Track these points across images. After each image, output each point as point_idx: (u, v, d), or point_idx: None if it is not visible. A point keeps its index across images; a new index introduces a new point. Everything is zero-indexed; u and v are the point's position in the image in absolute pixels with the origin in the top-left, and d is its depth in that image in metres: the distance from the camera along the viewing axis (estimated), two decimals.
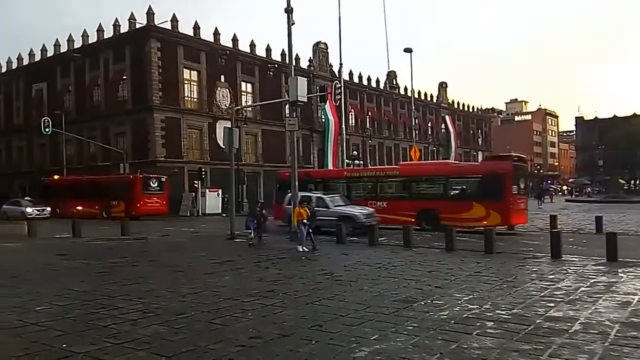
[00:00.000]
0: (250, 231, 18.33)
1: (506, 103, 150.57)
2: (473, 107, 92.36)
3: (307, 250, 15.89)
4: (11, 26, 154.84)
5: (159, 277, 11.34)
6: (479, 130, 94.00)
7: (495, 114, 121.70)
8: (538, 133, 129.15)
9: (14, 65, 54.03)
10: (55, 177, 42.75)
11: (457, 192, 23.69)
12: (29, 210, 36.08)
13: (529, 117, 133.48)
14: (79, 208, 35.38)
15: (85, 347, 6.12)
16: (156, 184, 36.66)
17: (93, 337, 6.59)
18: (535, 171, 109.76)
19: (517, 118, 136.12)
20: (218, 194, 41.15)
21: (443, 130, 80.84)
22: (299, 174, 23.60)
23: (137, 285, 10.37)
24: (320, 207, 21.10)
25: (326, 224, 20.54)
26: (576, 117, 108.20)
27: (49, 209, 36.64)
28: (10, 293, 9.68)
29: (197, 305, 8.37)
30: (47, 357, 5.77)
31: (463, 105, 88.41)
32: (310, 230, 16.49)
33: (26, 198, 39.50)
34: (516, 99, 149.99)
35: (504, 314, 7.61)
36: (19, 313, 7.95)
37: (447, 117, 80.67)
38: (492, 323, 7.10)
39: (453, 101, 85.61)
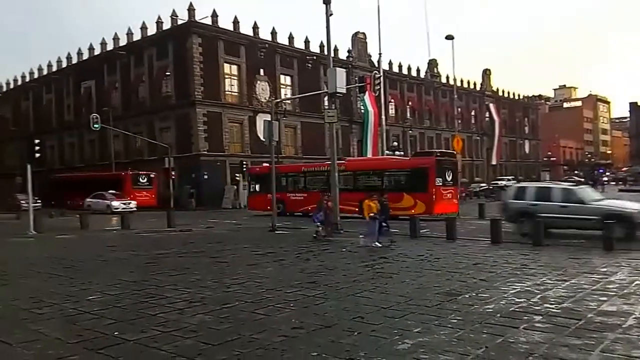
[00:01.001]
0: (317, 224, 17.79)
1: (554, 89, 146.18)
2: (519, 95, 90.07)
3: (380, 245, 14.87)
4: (61, 27, 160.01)
5: (203, 268, 11.58)
6: (526, 119, 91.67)
7: (543, 101, 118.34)
8: (589, 120, 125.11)
9: (64, 65, 55.83)
10: (59, 175, 47.47)
11: (392, 184, 25.99)
12: (115, 203, 35.56)
13: (578, 103, 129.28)
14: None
15: (135, 335, 6.32)
16: (145, 180, 41.63)
17: (142, 325, 6.80)
18: (586, 160, 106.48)
19: (566, 105, 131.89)
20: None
21: (487, 119, 79.23)
22: (263, 169, 31.11)
23: (184, 275, 10.62)
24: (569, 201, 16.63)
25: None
26: (630, 103, 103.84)
27: (134, 202, 36.41)
28: (64, 282, 10.08)
29: (241, 296, 8.52)
30: (100, 344, 5.98)
31: (508, 92, 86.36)
32: (385, 224, 15.48)
33: (110, 191, 38.14)
34: (565, 85, 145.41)
35: (553, 308, 7.44)
36: (73, 302, 8.27)
37: (491, 106, 78.98)
38: (541, 317, 6.95)
39: (497, 89, 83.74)
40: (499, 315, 7.08)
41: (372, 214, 15.24)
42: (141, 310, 7.61)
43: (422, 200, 23.95)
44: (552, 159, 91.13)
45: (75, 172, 50.98)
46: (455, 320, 6.82)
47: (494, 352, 5.59)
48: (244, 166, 42.47)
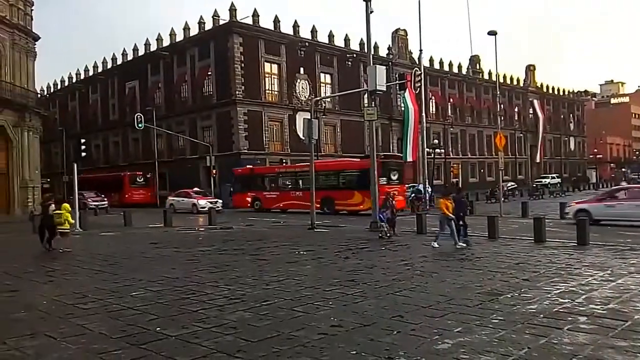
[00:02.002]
0: (382, 224, 17.14)
1: (601, 85, 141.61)
2: (564, 90, 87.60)
3: (437, 246, 14.20)
4: (107, 29, 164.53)
5: (243, 265, 11.71)
6: (571, 115, 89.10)
7: (589, 97, 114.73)
8: (637, 116, 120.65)
9: (109, 65, 57.36)
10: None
11: (346, 183, 30.16)
12: (201, 202, 33.61)
13: (626, 99, 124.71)
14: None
15: (177, 331, 6.44)
16: (142, 180, 46.07)
17: (184, 321, 6.92)
18: (634, 157, 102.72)
19: (613, 100, 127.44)
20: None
21: (531, 115, 77.39)
22: (245, 170, 36.53)
23: (224, 272, 10.77)
24: None
25: None
26: None
27: (220, 201, 35.32)
28: (109, 279, 10.36)
29: (280, 293, 8.57)
30: (143, 339, 6.12)
31: (553, 88, 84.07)
32: (462, 223, 14.69)
33: (195, 189, 37.32)
34: (612, 80, 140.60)
35: (598, 309, 7.21)
36: (117, 297, 8.50)
37: (535, 102, 77.10)
38: (585, 318, 6.75)
39: (542, 84, 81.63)
40: (542, 315, 6.91)
41: (448, 214, 14.22)
42: (182, 307, 7.75)
43: (368, 198, 24.76)
44: (598, 156, 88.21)
45: (119, 170, 52.46)
46: (496, 321, 6.68)
47: (537, 353, 5.46)
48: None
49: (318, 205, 27.12)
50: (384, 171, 28.53)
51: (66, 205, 15.66)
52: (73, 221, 16.24)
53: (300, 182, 32.55)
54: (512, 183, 56.30)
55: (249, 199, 35.10)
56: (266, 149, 44.59)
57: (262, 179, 35.06)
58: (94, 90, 59.38)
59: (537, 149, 76.49)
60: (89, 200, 39.22)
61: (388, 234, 16.81)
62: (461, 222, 14.70)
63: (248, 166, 37.24)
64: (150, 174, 46.53)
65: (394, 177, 29.83)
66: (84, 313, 7.51)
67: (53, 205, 15.60)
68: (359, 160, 32.30)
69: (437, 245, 14.17)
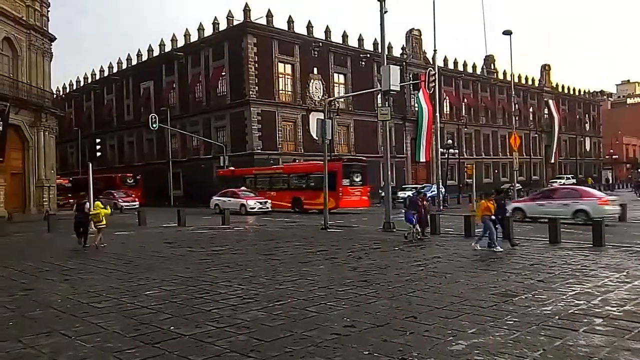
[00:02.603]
0: (410, 225, 16.33)
1: (617, 85, 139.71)
2: (580, 90, 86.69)
3: (502, 249, 13.37)
4: (122, 28, 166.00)
5: (256, 265, 11.74)
6: (587, 115, 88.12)
7: (605, 97, 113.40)
8: None
9: (124, 66, 57.82)
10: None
11: (313, 184, 31.81)
12: (250, 202, 31.77)
13: None
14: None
15: (190, 330, 6.48)
16: (132, 181, 48.05)
17: (197, 320, 6.95)
18: None
19: (629, 101, 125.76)
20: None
21: (546, 115, 76.71)
22: (226, 172, 38.96)
23: (237, 272, 10.80)
24: None
25: None
26: None
27: (269, 202, 33.20)
28: (123, 278, 10.44)
29: (293, 293, 8.57)
30: (157, 338, 6.15)
31: (568, 88, 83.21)
32: (498, 226, 14.02)
33: (242, 188, 35.17)
34: (628, 80, 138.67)
35: (614, 311, 7.12)
36: (131, 296, 8.56)
37: (550, 102, 76.41)
38: (601, 320, 6.67)
39: (557, 84, 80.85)
40: (557, 317, 6.84)
41: (488, 215, 13.62)
42: (196, 306, 7.79)
43: (332, 197, 27.78)
44: (614, 156, 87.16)
45: (133, 170, 52.94)
46: (511, 322, 6.63)
47: (552, 355, 5.40)
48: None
49: (289, 205, 32.67)
50: (346, 173, 31.67)
51: (98, 203, 17.08)
52: (109, 210, 17.21)
53: (274, 183, 35.79)
54: (518, 184, 55.21)
55: None
56: (279, 149, 44.67)
57: (242, 180, 37.13)
58: (109, 90, 59.89)
59: (551, 149, 75.78)
60: (119, 200, 39.75)
61: (418, 236, 16.21)
62: (498, 226, 14.03)
63: (230, 168, 39.90)
64: (140, 176, 48.66)
65: (357, 179, 32.43)
66: (99, 312, 7.57)
67: (88, 204, 16.73)
68: (332, 163, 33.12)
69: (478, 248, 13.57)
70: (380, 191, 36.41)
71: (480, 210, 14.11)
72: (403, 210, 17.99)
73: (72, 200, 33.74)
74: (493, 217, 13.73)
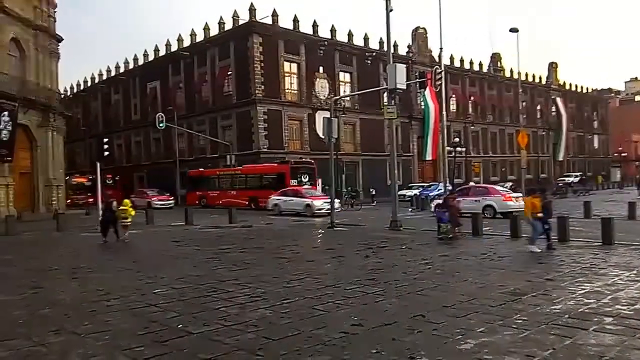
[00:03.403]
0: (443, 225, 16.02)
1: (625, 82, 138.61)
2: (587, 88, 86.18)
3: (540, 250, 12.80)
4: (128, 29, 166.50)
5: (264, 264, 11.76)
6: (594, 113, 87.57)
7: (613, 94, 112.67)
8: None
9: (131, 66, 57.99)
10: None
11: (266, 183, 35.28)
12: (317, 203, 27.83)
13: None
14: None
15: (198, 328, 6.49)
16: (110, 182, 46.66)
17: (205, 318, 6.97)
18: None
19: (638, 98, 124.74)
20: (318, 184, 41.86)
21: (553, 113, 76.26)
22: (196, 172, 42.25)
23: (245, 270, 10.82)
24: None
25: None
26: None
27: (338, 200, 27.80)
28: (132, 276, 10.49)
29: (301, 291, 8.58)
30: (165, 336, 6.17)
31: (576, 86, 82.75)
32: (547, 226, 13.17)
33: (306, 186, 33.70)
34: (637, 78, 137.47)
35: (625, 309, 7.08)
36: (140, 295, 8.59)
37: (558, 100, 75.74)
38: (612, 319, 6.62)
39: (564, 82, 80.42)
40: (567, 316, 6.80)
41: (536, 213, 12.95)
42: (204, 304, 7.80)
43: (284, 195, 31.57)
44: (622, 154, 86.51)
45: (140, 169, 53.07)
46: (520, 321, 6.59)
47: (562, 354, 5.37)
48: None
49: (247, 203, 34.99)
50: (294, 174, 34.60)
51: (127, 201, 18.27)
52: (134, 212, 18.50)
53: (235, 183, 38.48)
54: (510, 183, 54.58)
55: (197, 197, 40.35)
56: (286, 147, 44.65)
57: (208, 180, 40.37)
58: (116, 90, 60.09)
59: (559, 147, 75.36)
60: (153, 199, 38.61)
61: (450, 235, 15.80)
62: (546, 225, 13.19)
63: (200, 169, 42.49)
64: (119, 177, 49.55)
65: (305, 179, 34.99)
66: (107, 310, 7.61)
67: (115, 202, 18.01)
68: (275, 165, 37.23)
69: (538, 250, 12.72)
70: (344, 190, 39.61)
71: (527, 208, 13.31)
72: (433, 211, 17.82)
73: (91, 200, 33.95)
74: (540, 214, 13.03)
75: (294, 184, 33.42)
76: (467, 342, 5.79)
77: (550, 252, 12.72)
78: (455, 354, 5.44)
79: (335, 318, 6.90)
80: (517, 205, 22.54)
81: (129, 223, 17.61)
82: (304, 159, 38.05)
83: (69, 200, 40.41)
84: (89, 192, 41.43)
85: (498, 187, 28.27)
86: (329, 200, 27.41)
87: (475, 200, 24.12)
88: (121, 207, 17.70)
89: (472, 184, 38.24)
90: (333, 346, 5.73)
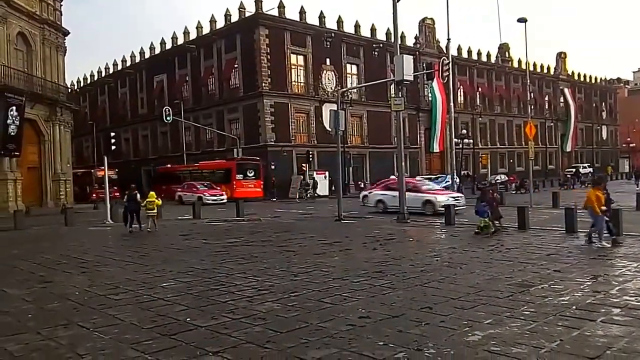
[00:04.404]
0: (482, 219, 15.24)
1: (634, 72, 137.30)
2: (596, 78, 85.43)
3: (608, 245, 11.98)
4: (135, 22, 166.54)
5: (271, 257, 11.78)
6: (603, 103, 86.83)
7: (622, 84, 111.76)
8: None
9: (137, 59, 58.05)
10: None
11: (217, 178, 39.07)
12: (441, 198, 22.69)
13: None
14: None
15: (206, 322, 6.52)
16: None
17: (213, 312, 7.00)
18: None
19: None
20: (325, 177, 41.88)
21: (562, 104, 75.78)
22: (165, 168, 45.48)
23: (252, 264, 10.84)
24: None
25: None
26: None
27: (462, 196, 25.57)
28: (139, 270, 10.53)
29: (308, 284, 8.59)
30: (173, 330, 6.20)
31: (584, 76, 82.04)
32: (608, 220, 12.37)
33: (418, 177, 31.74)
34: None
35: (632, 301, 7.05)
36: (148, 288, 8.64)
37: (566, 90, 75.43)
38: (619, 310, 6.60)
39: (573, 72, 79.74)
40: (574, 307, 6.78)
41: (596, 207, 12.05)
42: (212, 298, 7.83)
43: (228, 189, 36.73)
44: (631, 145, 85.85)
45: (148, 163, 53.25)
46: (528, 312, 6.58)
47: (569, 345, 5.36)
48: (310, 156, 42.81)
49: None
50: (240, 170, 38.30)
51: (152, 193, 19.20)
52: (159, 202, 19.73)
53: (194, 177, 41.03)
54: (503, 175, 53.55)
55: (163, 191, 40.55)
56: (293, 140, 44.65)
57: (171, 175, 42.73)
58: (123, 84, 60.19)
59: (567, 138, 74.92)
60: (204, 193, 35.61)
61: (492, 229, 15.07)
62: (608, 219, 12.39)
63: (168, 165, 45.51)
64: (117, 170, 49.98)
65: (250, 174, 38.67)
66: (116, 304, 7.65)
67: (138, 194, 19.00)
68: (224, 161, 41.13)
69: (608, 245, 11.94)
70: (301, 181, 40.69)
71: (590, 201, 12.23)
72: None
73: (117, 193, 33.73)
74: (604, 208, 12.20)
75: (240, 178, 37.87)
76: (474, 333, 5.79)
77: (616, 247, 11.92)
78: (463, 346, 5.44)
79: (343, 310, 6.91)
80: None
81: (154, 214, 18.69)
82: (249, 157, 40.68)
83: (94, 195, 39.36)
84: (115, 185, 38.95)
85: (426, 182, 27.81)
86: (457, 195, 24.73)
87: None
88: (148, 199, 18.65)
89: (393, 177, 33.27)
90: (340, 338, 5.75)
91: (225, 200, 35.41)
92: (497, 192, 16.50)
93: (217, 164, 41.59)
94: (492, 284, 8.29)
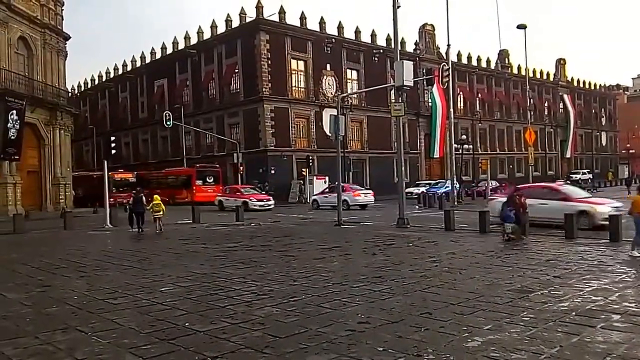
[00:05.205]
0: (509, 224, 14.60)
1: (633, 78, 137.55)
2: (595, 85, 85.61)
3: (637, 255, 11.30)
4: (135, 27, 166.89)
5: (271, 261, 11.75)
6: (602, 109, 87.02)
7: (621, 90, 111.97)
8: None
9: (138, 64, 58.16)
10: None
11: (179, 184, 42.56)
12: (602, 210, 17.50)
13: None
14: None
15: (205, 326, 6.50)
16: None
17: (212, 316, 6.97)
18: None
19: None
20: (325, 181, 41.92)
21: (561, 110, 75.90)
22: (142, 174, 46.34)
23: (252, 268, 10.82)
24: None
25: None
26: None
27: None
28: (138, 274, 10.51)
29: (307, 289, 8.57)
30: (172, 334, 6.18)
31: (584, 82, 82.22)
32: None
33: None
34: None
35: (632, 307, 7.03)
36: (147, 293, 8.61)
37: (565, 96, 75.58)
38: (619, 316, 6.58)
39: (572, 79, 79.91)
40: (574, 313, 6.76)
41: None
42: (211, 302, 7.81)
43: (189, 193, 40.20)
44: (630, 151, 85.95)
45: (148, 167, 53.29)
46: (527, 318, 6.56)
47: (569, 351, 5.34)
48: (310, 161, 42.84)
49: (167, 199, 35.77)
50: (200, 176, 41.50)
51: (157, 196, 20.26)
52: (164, 209, 20.53)
53: (160, 183, 43.82)
54: (494, 182, 52.51)
55: None
56: (293, 145, 44.70)
57: (143, 181, 42.68)
58: (124, 88, 60.30)
59: (567, 144, 75.02)
60: (250, 198, 32.31)
61: (508, 237, 14.44)
62: None
63: (135, 172, 46.98)
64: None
65: (210, 180, 41.58)
66: (114, 308, 7.63)
67: (143, 197, 20.17)
68: (186, 168, 44.06)
69: (637, 255, 11.28)
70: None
71: (637, 207, 11.55)
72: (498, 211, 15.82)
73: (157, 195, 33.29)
74: None
75: (200, 183, 41.00)
76: (474, 339, 5.77)
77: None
78: (462, 352, 5.42)
79: (342, 316, 6.89)
80: (363, 200, 31.80)
81: (160, 215, 19.60)
82: (209, 164, 43.91)
83: (112, 199, 36.64)
84: (134, 188, 39.20)
85: (353, 185, 35.24)
86: (618, 204, 18.46)
87: (334, 196, 27.06)
88: (154, 202, 19.64)
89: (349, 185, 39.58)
90: (339, 344, 5.73)
91: (272, 206, 32.61)
92: (524, 197, 15.47)
93: (179, 170, 45.17)
94: (491, 290, 8.27)
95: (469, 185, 46.30)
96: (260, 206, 31.85)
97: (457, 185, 36.65)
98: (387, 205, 31.96)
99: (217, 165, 43.22)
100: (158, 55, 55.15)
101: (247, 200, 31.79)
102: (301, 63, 46.24)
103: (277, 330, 6.24)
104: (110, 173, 43.21)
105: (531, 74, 63.99)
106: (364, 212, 29.20)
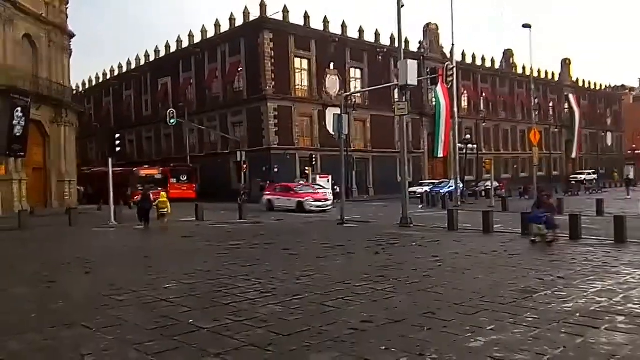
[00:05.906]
0: (536, 225, 14.07)
1: (639, 79, 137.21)
2: (601, 85, 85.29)
3: None
4: (140, 25, 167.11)
5: (274, 259, 11.77)
6: (608, 110, 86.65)
7: (627, 91, 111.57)
8: None
9: (142, 62, 58.22)
10: None
11: (158, 183, 39.87)
12: None
13: None
14: None
15: (209, 323, 6.52)
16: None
17: (216, 314, 7.00)
18: None
19: None
20: (328, 180, 41.88)
21: (566, 110, 75.65)
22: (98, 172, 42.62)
23: (255, 266, 10.84)
24: None
25: None
26: None
27: None
28: (143, 271, 10.55)
29: (311, 288, 8.58)
30: (176, 331, 6.20)
31: (589, 82, 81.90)
32: None
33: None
34: None
35: (637, 308, 7.01)
36: (151, 290, 8.64)
37: (571, 96, 75.32)
38: (624, 317, 6.56)
39: (578, 79, 79.64)
40: (578, 314, 6.75)
41: None
42: (215, 300, 7.83)
43: (165, 191, 35.33)
44: (636, 151, 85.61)
45: (151, 164, 53.44)
46: (531, 319, 6.55)
47: (573, 352, 5.34)
48: (313, 160, 42.82)
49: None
50: (174, 175, 43.40)
51: (163, 194, 21.11)
52: (170, 207, 20.89)
53: (141, 182, 42.68)
54: (496, 182, 51.60)
55: None
56: (296, 144, 44.68)
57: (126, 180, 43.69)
58: (128, 86, 60.37)
59: (572, 144, 74.81)
60: (305, 197, 29.12)
61: (549, 239, 13.71)
62: None
63: (100, 168, 45.10)
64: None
65: (183, 179, 43.63)
66: (119, 304, 7.66)
67: (151, 194, 21.17)
68: (162, 168, 44.60)
69: None
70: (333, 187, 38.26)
71: None
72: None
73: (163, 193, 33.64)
74: None
75: (174, 182, 42.71)
76: (477, 339, 5.76)
77: None
78: (465, 351, 5.42)
79: (345, 314, 6.90)
80: (321, 203, 28.76)
81: (166, 212, 20.25)
82: (183, 164, 45.90)
83: (136, 197, 32.15)
84: (160, 185, 37.45)
85: (315, 187, 33.51)
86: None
87: (288, 199, 28.76)
88: (160, 200, 20.39)
89: (300, 182, 36.94)
90: (342, 342, 5.74)
91: (331, 206, 28.85)
92: (552, 198, 15.03)
93: (155, 170, 45.89)
94: (495, 290, 8.25)
95: (469, 186, 46.11)
96: (318, 207, 28.18)
97: (461, 185, 36.62)
98: (390, 204, 31.98)
99: (191, 165, 45.84)
100: (162, 54, 55.13)
101: (303, 200, 28.47)
102: (305, 62, 46.19)
103: (281, 328, 6.25)
104: (135, 169, 44.00)
105: (536, 74, 63.78)
106: (367, 211, 29.13)
